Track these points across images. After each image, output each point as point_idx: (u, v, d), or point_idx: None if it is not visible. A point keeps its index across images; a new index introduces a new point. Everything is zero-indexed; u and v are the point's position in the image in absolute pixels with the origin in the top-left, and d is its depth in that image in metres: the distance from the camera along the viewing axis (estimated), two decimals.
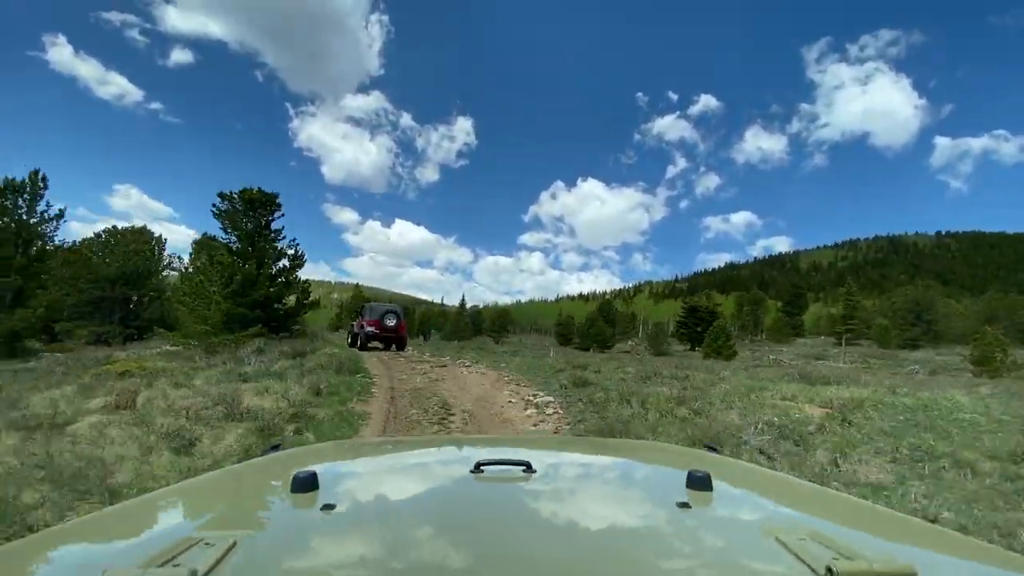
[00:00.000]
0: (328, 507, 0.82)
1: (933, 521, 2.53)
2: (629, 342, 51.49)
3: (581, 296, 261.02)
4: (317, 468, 0.94)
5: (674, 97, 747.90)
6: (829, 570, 0.56)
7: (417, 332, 41.95)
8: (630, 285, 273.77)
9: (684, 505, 0.85)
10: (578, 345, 44.30)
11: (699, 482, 0.93)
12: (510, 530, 0.80)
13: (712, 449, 1.50)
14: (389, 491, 1.06)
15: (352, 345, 18.58)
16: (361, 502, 0.97)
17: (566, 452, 1.56)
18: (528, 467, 1.02)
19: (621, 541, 0.77)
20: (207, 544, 0.64)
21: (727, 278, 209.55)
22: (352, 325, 20.96)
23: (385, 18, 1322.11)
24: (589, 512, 0.92)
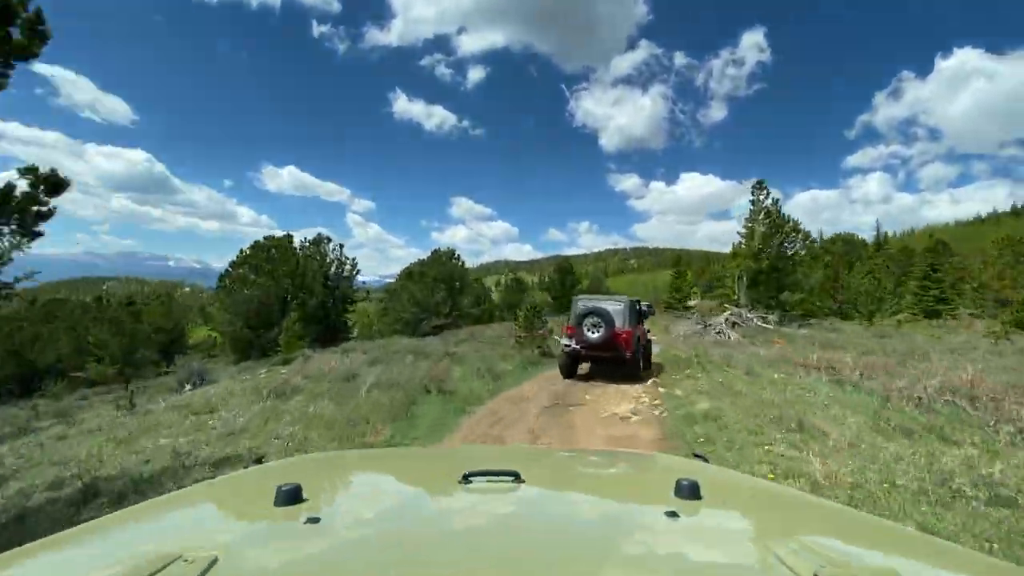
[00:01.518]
0: (313, 520, 0.81)
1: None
2: None
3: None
4: (302, 481, 0.93)
5: None
6: None
7: None
8: None
9: (672, 514, 0.84)
10: None
11: (688, 491, 0.93)
12: (498, 542, 0.80)
13: (701, 458, 1.49)
14: (375, 504, 1.06)
15: (563, 370, 9.94)
16: (347, 515, 0.97)
17: (554, 462, 1.56)
18: (516, 477, 1.01)
19: (610, 551, 0.77)
20: (187, 561, 0.62)
21: None
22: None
23: None
24: (577, 522, 0.93)
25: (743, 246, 26.73)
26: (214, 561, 0.63)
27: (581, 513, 0.99)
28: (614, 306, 9.52)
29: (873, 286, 26.69)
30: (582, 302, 9.93)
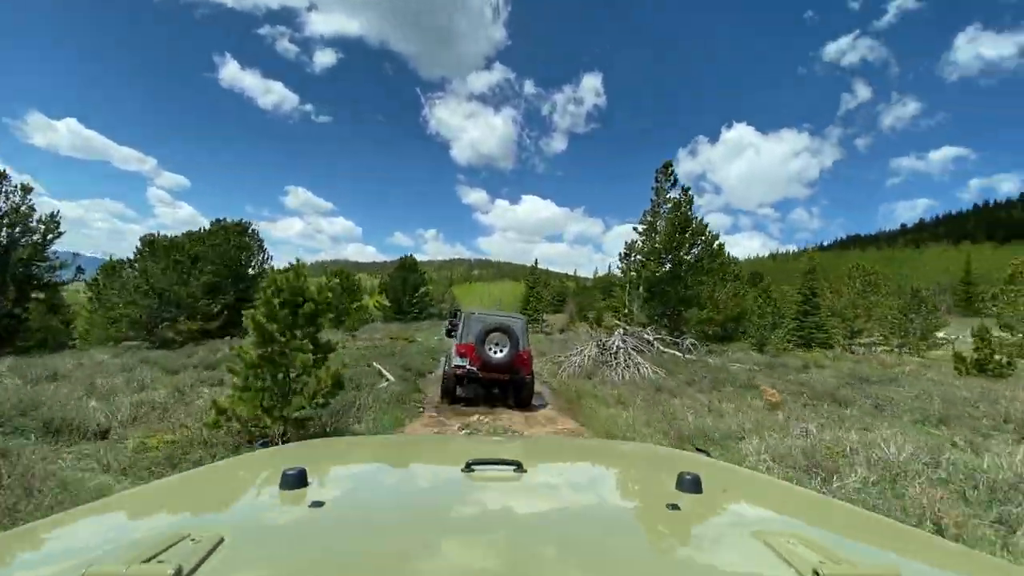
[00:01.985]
0: (317, 504, 0.82)
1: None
2: None
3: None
4: (307, 465, 0.94)
5: (855, 6, 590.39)
6: (816, 573, 0.58)
7: None
8: (792, 248, 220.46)
9: (674, 507, 0.85)
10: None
11: (689, 484, 0.93)
12: (500, 529, 0.80)
13: (703, 452, 1.50)
14: (379, 489, 1.08)
15: (447, 394, 8.19)
16: (351, 500, 0.97)
17: (557, 453, 1.58)
18: (519, 467, 1.03)
19: (610, 541, 0.77)
20: (193, 540, 0.63)
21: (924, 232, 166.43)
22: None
23: None
24: (579, 512, 0.95)
25: (642, 245, 20.92)
26: (220, 541, 0.64)
27: (583, 504, 1.00)
28: (516, 322, 8.62)
29: (767, 309, 23.22)
30: (478, 316, 8.49)
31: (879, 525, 0.95)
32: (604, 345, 14.18)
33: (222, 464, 1.30)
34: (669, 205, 20.56)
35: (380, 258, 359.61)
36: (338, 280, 32.53)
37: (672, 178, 20.89)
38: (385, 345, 17.80)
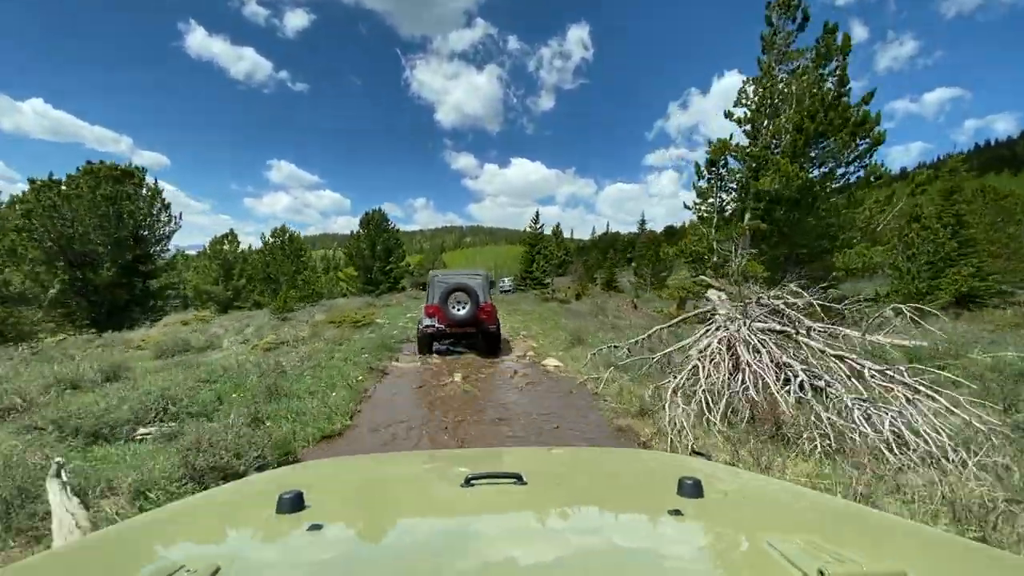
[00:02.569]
0: (315, 528, 0.80)
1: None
2: None
3: None
4: (303, 488, 0.93)
5: None
6: (821, 574, 0.57)
7: None
8: None
9: (676, 512, 0.84)
10: None
11: (690, 489, 0.93)
12: (502, 546, 0.79)
13: (702, 455, 1.46)
14: (378, 510, 1.04)
15: (423, 350, 8.75)
16: (349, 522, 0.95)
17: (556, 463, 1.53)
18: (519, 479, 1.02)
19: (614, 551, 0.77)
20: (189, 571, 0.62)
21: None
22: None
23: None
24: (581, 523, 0.93)
25: (752, 143, 12.01)
26: (216, 571, 0.63)
27: (585, 514, 0.98)
28: (475, 280, 9.23)
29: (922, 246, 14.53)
30: (441, 279, 9.20)
31: (884, 524, 0.94)
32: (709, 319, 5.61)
33: (217, 491, 1.28)
34: (798, 63, 11.59)
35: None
36: (274, 240, 23.70)
37: (799, 13, 11.78)
38: (299, 341, 9.37)
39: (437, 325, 8.50)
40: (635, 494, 1.13)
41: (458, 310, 8.43)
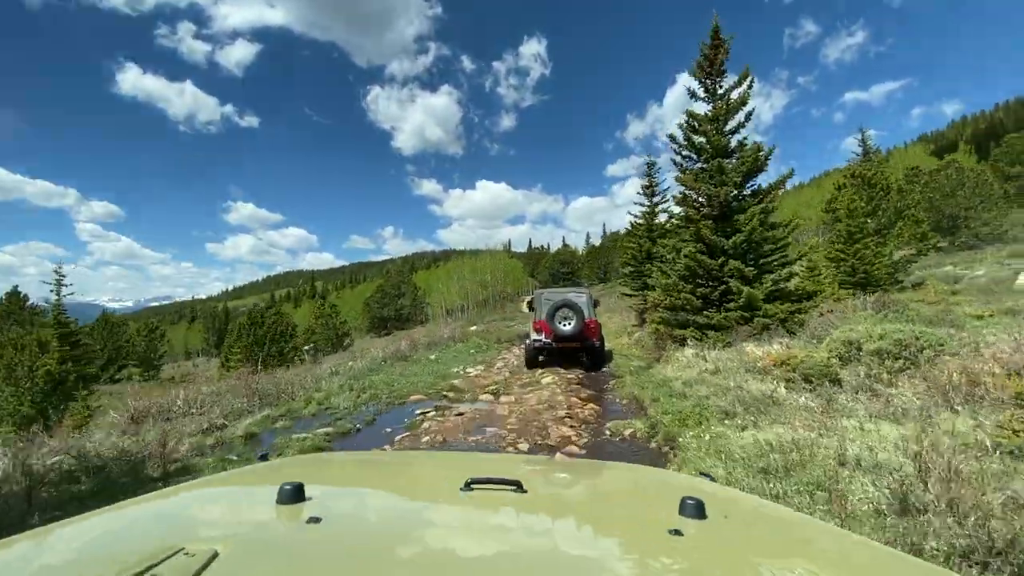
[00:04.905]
0: (314, 520, 0.81)
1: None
2: None
3: None
4: (305, 480, 0.93)
5: None
6: None
7: None
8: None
9: (676, 532, 0.83)
10: None
11: (692, 510, 0.91)
12: (497, 551, 0.78)
13: (707, 477, 1.46)
14: (377, 506, 1.06)
15: (530, 365, 9.58)
16: (348, 516, 0.96)
17: (558, 473, 1.53)
18: (519, 487, 1.01)
19: (610, 566, 0.77)
20: (187, 554, 0.62)
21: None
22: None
23: None
24: (579, 536, 0.92)
25: None
26: (214, 555, 0.63)
27: (582, 527, 0.97)
28: (580, 297, 9.68)
29: None
30: (547, 296, 9.84)
31: (887, 556, 0.93)
32: None
33: (219, 477, 1.30)
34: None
35: (339, 263, 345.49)
36: None
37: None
38: None
39: (544, 340, 9.10)
40: (635, 511, 1.12)
41: (564, 325, 8.92)
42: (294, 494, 0.88)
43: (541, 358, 9.77)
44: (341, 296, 76.51)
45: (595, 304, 10.35)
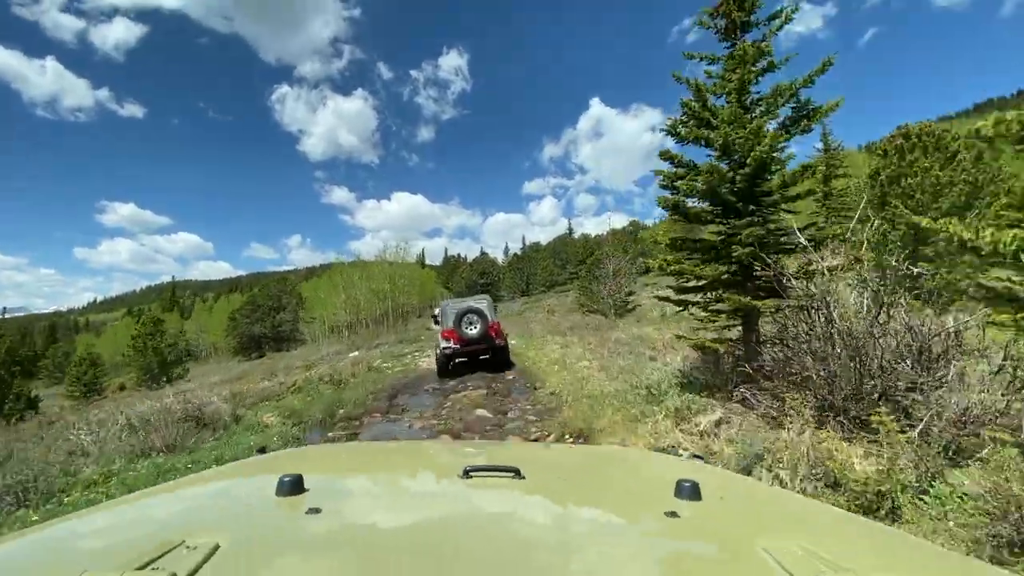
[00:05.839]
0: (314, 511, 0.81)
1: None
2: None
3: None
4: (303, 472, 0.94)
5: None
6: None
7: None
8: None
9: (672, 514, 0.84)
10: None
11: (687, 491, 0.92)
12: (497, 537, 0.80)
13: (699, 459, 1.47)
14: (376, 496, 1.07)
15: (442, 372, 10.49)
16: (348, 507, 0.96)
17: (555, 459, 1.54)
18: (517, 473, 1.03)
19: (609, 550, 0.76)
20: (189, 547, 0.63)
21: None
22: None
23: None
24: (577, 520, 0.93)
25: None
26: (216, 548, 0.64)
27: (581, 511, 0.98)
28: (481, 303, 10.78)
29: None
30: (452, 305, 10.85)
31: (883, 534, 0.95)
32: None
33: (219, 470, 1.30)
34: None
35: (236, 273, 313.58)
36: None
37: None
38: None
39: (453, 346, 9.97)
40: (632, 494, 1.12)
41: (471, 329, 9.93)
42: (293, 486, 0.90)
43: (451, 365, 10.44)
44: (215, 308, 64.40)
45: (495, 309, 11.44)
